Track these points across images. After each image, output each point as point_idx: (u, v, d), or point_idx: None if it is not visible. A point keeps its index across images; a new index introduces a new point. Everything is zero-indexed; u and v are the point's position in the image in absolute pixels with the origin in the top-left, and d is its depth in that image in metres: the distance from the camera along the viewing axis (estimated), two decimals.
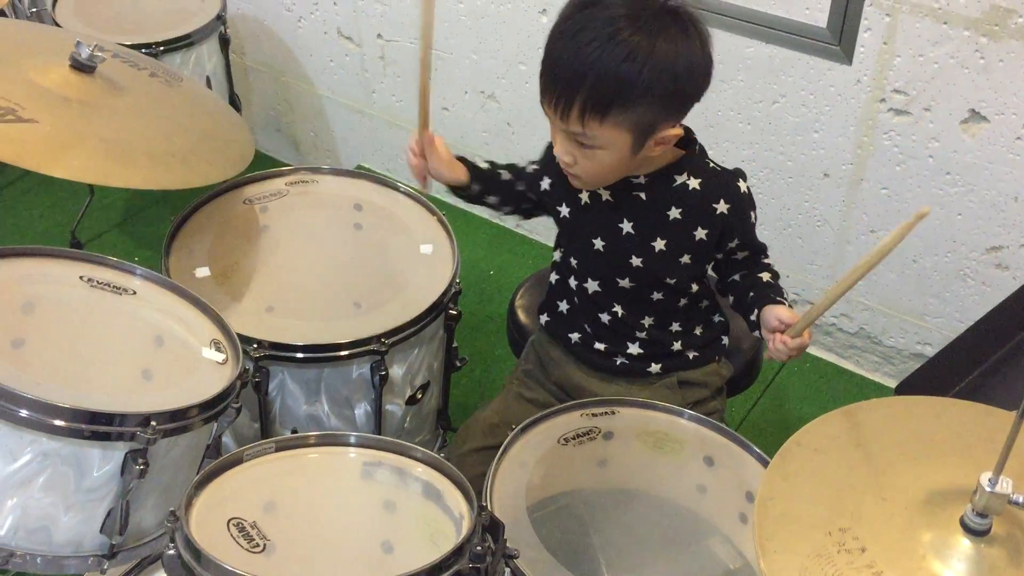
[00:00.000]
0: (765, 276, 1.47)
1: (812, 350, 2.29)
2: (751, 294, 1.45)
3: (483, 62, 2.34)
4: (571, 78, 1.28)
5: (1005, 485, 0.96)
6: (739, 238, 1.45)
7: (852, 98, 1.92)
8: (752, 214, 1.45)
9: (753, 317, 1.43)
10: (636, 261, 1.45)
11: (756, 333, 1.44)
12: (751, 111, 2.04)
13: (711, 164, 1.44)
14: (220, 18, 2.31)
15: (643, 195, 1.42)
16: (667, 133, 1.34)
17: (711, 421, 1.46)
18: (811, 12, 1.88)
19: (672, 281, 1.47)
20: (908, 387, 1.77)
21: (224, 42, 2.33)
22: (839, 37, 1.87)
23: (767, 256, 1.50)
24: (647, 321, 1.51)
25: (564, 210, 1.49)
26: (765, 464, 1.36)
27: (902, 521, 1.02)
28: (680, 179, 1.41)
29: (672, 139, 1.35)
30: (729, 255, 1.48)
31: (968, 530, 0.99)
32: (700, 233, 1.42)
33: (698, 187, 1.41)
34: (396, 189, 1.88)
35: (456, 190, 1.57)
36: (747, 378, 1.70)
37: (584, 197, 1.46)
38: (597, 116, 1.28)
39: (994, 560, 0.97)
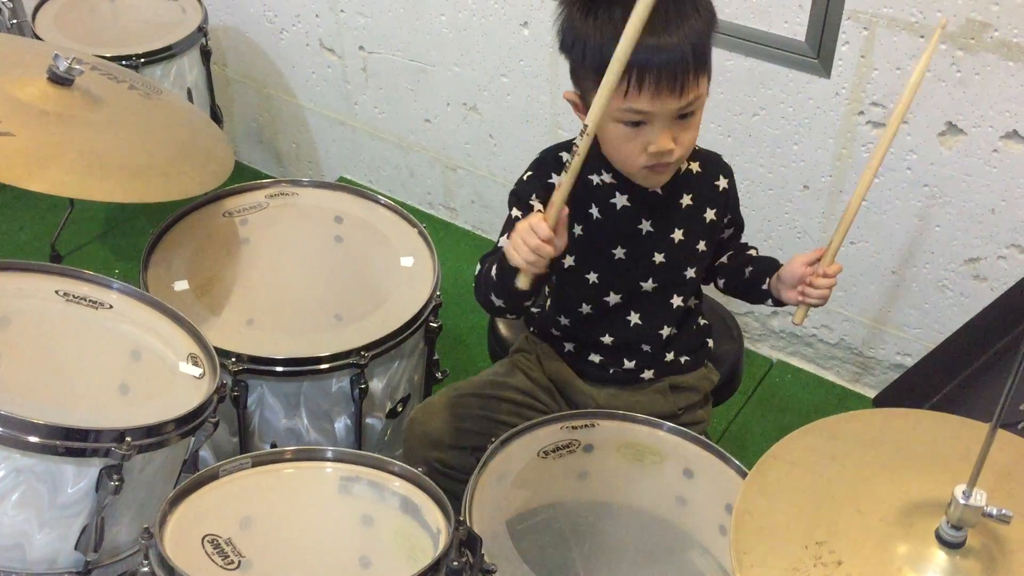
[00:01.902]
0: (753, 252, 1.54)
1: (792, 360, 2.30)
2: (750, 269, 1.51)
3: (465, 74, 2.34)
4: (676, 51, 1.25)
5: (979, 497, 0.96)
6: (731, 212, 1.51)
7: (831, 111, 1.93)
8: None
9: (765, 286, 1.48)
10: (659, 257, 1.46)
11: (769, 302, 1.48)
12: (731, 123, 2.05)
13: (697, 146, 1.46)
14: (201, 30, 2.30)
15: (659, 190, 1.43)
16: None
17: (691, 433, 1.46)
18: (790, 26, 1.89)
19: (692, 272, 1.48)
20: (886, 399, 1.78)
21: (205, 54, 2.32)
22: (818, 50, 1.89)
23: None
24: (666, 331, 1.50)
25: (577, 229, 1.45)
26: (745, 476, 1.36)
27: (878, 534, 1.02)
28: (684, 166, 1.45)
29: None
30: (719, 234, 1.52)
31: (943, 543, 0.99)
32: (709, 214, 1.47)
33: (700, 169, 1.46)
34: (376, 201, 1.88)
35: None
36: (728, 388, 1.70)
37: (595, 212, 1.44)
38: (703, 68, 1.29)
39: (969, 572, 0.98)
